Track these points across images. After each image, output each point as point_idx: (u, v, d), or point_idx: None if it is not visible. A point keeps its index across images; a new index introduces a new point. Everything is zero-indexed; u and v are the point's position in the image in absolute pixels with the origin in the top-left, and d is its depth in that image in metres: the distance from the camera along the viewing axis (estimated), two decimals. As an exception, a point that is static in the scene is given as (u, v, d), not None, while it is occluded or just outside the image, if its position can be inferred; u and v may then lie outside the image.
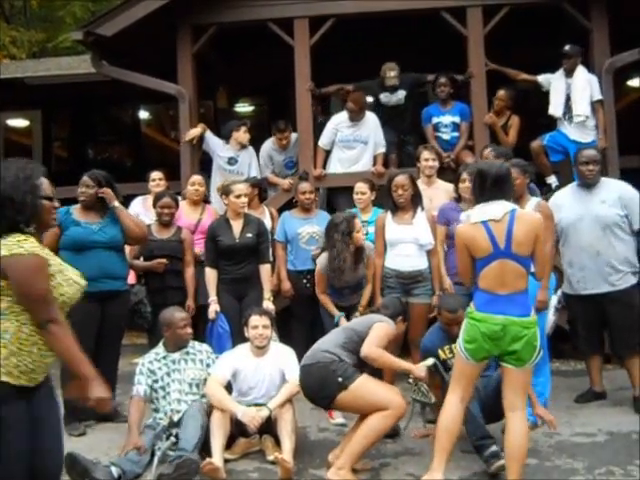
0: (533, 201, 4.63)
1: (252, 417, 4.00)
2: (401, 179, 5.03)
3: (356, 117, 6.36)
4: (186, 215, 5.76)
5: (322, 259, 4.94)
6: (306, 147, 6.61)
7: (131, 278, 5.22)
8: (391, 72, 6.57)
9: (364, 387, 3.75)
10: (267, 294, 5.15)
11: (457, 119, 6.55)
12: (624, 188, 4.90)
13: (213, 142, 6.60)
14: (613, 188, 4.88)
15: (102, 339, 4.61)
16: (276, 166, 6.84)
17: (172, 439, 4.06)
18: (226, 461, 3.97)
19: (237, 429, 4.14)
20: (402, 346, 4.86)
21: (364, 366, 3.90)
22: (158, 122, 10.64)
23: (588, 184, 4.85)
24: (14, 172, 2.53)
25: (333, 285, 4.97)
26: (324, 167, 6.54)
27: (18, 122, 9.89)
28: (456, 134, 6.56)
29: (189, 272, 5.29)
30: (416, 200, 5.08)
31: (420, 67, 6.82)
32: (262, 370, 4.32)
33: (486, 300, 3.41)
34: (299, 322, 5.56)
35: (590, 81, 6.25)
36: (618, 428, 4.35)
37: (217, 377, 4.25)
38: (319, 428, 4.61)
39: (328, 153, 6.57)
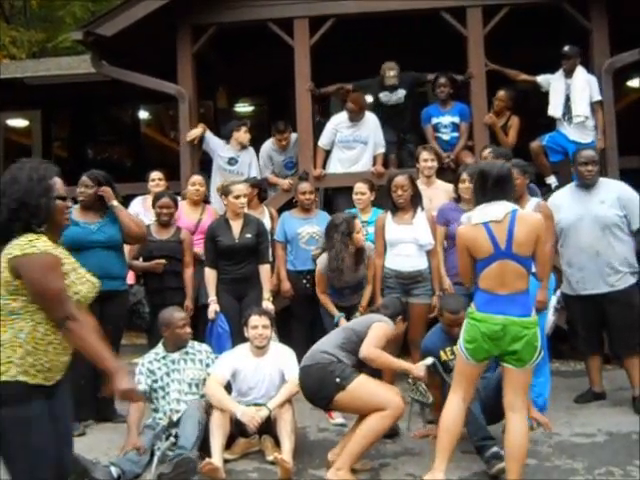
0: (533, 201, 4.64)
1: (251, 417, 4.00)
2: (400, 179, 5.03)
3: (356, 117, 6.36)
4: (186, 215, 5.76)
5: (322, 259, 4.95)
6: (306, 147, 6.61)
7: (130, 278, 5.22)
8: (391, 72, 6.57)
9: (362, 387, 3.75)
10: (267, 294, 5.15)
11: (457, 119, 6.55)
12: (623, 188, 4.91)
13: (213, 142, 6.60)
14: (612, 188, 4.89)
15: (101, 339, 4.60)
16: (276, 166, 6.84)
17: (171, 439, 4.06)
18: (226, 461, 3.97)
19: (237, 429, 4.14)
20: (402, 346, 4.87)
21: (364, 366, 3.90)
22: (158, 122, 10.64)
23: (587, 184, 4.85)
24: (27, 173, 2.53)
25: (333, 285, 4.97)
26: (324, 167, 6.55)
27: (18, 122, 9.88)
28: (456, 134, 6.55)
29: (188, 273, 5.30)
30: (416, 200, 5.08)
31: (420, 67, 6.82)
32: (262, 370, 4.32)
33: (486, 300, 3.41)
34: (299, 322, 5.57)
35: (589, 82, 6.25)
36: (618, 428, 4.35)
37: (217, 377, 4.25)
38: (319, 428, 4.62)
39: (328, 153, 6.57)
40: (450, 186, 5.32)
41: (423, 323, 4.95)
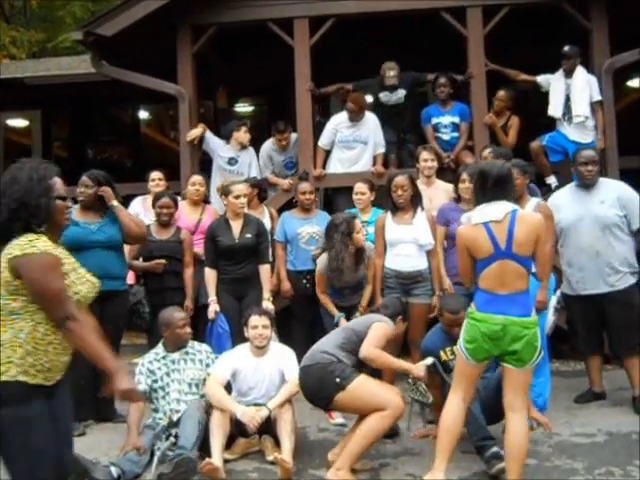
0: (533, 201, 4.64)
1: (251, 417, 4.00)
2: (400, 179, 5.03)
3: (356, 117, 6.36)
4: (186, 215, 5.76)
5: (322, 259, 4.95)
6: (306, 147, 6.61)
7: (130, 278, 5.22)
8: (391, 72, 6.57)
9: (362, 387, 3.75)
10: (267, 294, 5.15)
11: (457, 119, 6.55)
12: (622, 188, 4.91)
13: (214, 142, 6.60)
14: (612, 188, 4.89)
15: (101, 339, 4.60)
16: (276, 166, 6.84)
17: (171, 439, 4.05)
18: (226, 461, 3.97)
19: (237, 429, 4.14)
20: (402, 346, 4.86)
21: (364, 366, 3.90)
22: (158, 122, 10.64)
23: (587, 184, 4.85)
24: (27, 173, 2.53)
25: (333, 285, 4.97)
26: (324, 167, 6.55)
27: (18, 122, 9.88)
28: (456, 134, 6.55)
29: (188, 273, 5.30)
30: (416, 200, 5.08)
31: (420, 67, 6.82)
32: (262, 370, 4.32)
33: (486, 300, 3.42)
34: (299, 322, 5.57)
35: (589, 82, 6.25)
36: (618, 428, 4.35)
37: (217, 377, 4.25)
38: (319, 428, 4.62)
39: (328, 153, 6.57)
40: (450, 186, 5.32)
41: (423, 323, 4.95)
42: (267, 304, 5.02)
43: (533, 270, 3.56)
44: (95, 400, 4.66)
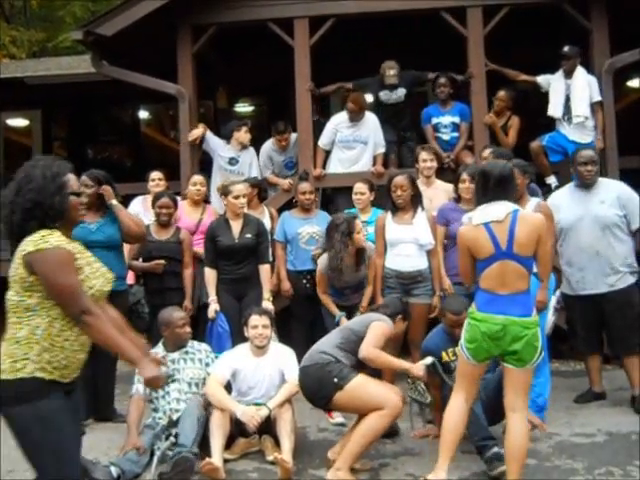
0: (533, 201, 4.63)
1: (251, 416, 4.00)
2: (400, 179, 5.03)
3: (356, 117, 6.36)
4: (187, 215, 5.76)
5: (323, 259, 4.95)
6: (306, 147, 6.61)
7: (130, 278, 5.22)
8: (391, 71, 6.57)
9: (360, 387, 3.75)
10: (266, 294, 5.15)
11: (457, 119, 6.55)
12: (622, 188, 4.91)
13: (214, 142, 6.59)
14: (611, 188, 4.89)
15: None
16: (276, 167, 6.84)
17: (171, 439, 4.05)
18: (225, 461, 3.97)
19: (237, 429, 4.14)
20: (402, 346, 4.86)
21: (364, 366, 3.90)
22: (158, 122, 10.63)
23: (586, 184, 4.85)
24: (41, 171, 2.53)
25: (334, 285, 4.98)
26: (324, 167, 6.55)
27: (18, 122, 9.87)
28: (456, 134, 6.55)
29: (187, 273, 5.29)
30: (416, 200, 5.08)
31: (420, 67, 6.82)
32: (262, 370, 4.32)
33: (487, 300, 3.42)
34: (299, 322, 5.57)
35: (589, 82, 6.25)
36: (617, 428, 4.35)
37: (217, 377, 4.25)
38: (318, 428, 4.61)
39: (328, 153, 6.57)
40: (450, 186, 5.32)
41: (423, 323, 4.95)
42: (267, 304, 5.02)
43: (534, 270, 3.56)
44: (95, 400, 4.66)
